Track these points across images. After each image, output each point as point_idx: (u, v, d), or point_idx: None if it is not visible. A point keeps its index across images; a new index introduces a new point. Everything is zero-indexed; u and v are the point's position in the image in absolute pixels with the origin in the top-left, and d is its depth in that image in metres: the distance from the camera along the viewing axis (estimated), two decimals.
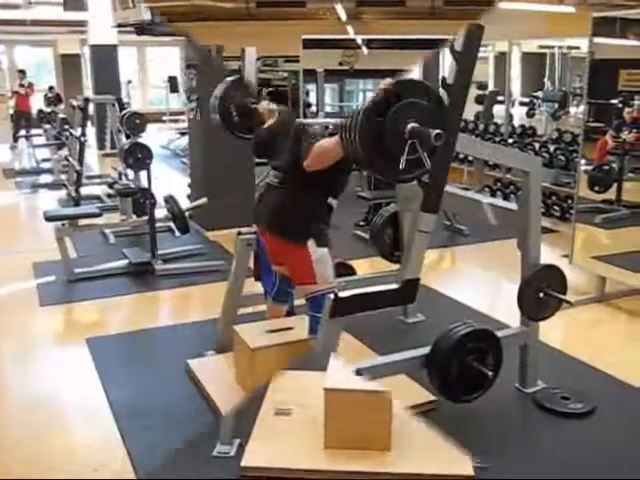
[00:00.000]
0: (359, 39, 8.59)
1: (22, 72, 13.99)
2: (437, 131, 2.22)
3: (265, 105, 3.51)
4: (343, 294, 2.64)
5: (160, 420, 3.08)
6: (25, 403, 3.34)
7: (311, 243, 2.93)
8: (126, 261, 5.32)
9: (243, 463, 2.33)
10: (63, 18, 13.27)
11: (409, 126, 2.25)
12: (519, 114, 12.21)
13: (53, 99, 12.98)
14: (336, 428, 2.43)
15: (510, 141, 7.74)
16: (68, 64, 17.87)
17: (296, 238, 2.97)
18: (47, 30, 15.25)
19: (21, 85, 13.42)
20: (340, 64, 8.82)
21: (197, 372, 3.43)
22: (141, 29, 6.01)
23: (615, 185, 5.30)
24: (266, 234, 3.12)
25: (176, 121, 15.20)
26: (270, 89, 8.26)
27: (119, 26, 6.82)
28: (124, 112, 7.35)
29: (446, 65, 11.92)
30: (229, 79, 3.78)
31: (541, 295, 3.13)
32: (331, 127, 2.89)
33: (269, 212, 3.06)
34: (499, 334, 2.97)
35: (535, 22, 8.85)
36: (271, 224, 3.06)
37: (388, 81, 2.32)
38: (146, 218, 5.46)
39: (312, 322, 3.03)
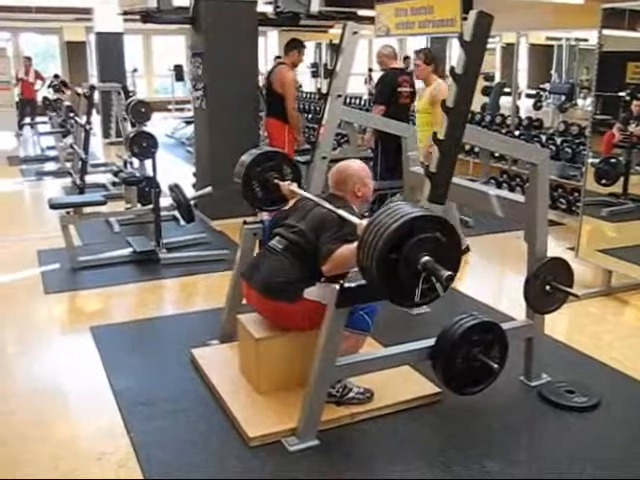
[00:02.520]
0: None
1: (28, 58, 13.94)
2: (449, 273, 2.21)
3: (287, 185, 3.47)
4: (349, 284, 2.62)
5: (164, 409, 3.08)
6: (29, 391, 3.34)
7: (306, 292, 2.89)
8: (130, 249, 5.32)
9: None
10: (69, 5, 13.23)
11: (422, 260, 2.25)
12: (526, 106, 12.20)
13: (59, 87, 12.95)
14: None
15: (517, 133, 7.70)
16: (74, 52, 17.87)
17: (289, 297, 2.91)
18: (53, 17, 15.21)
19: (27, 73, 13.39)
20: None
21: (201, 361, 3.43)
22: (147, 17, 5.97)
23: (622, 178, 5.27)
24: (258, 296, 3.04)
25: (181, 110, 15.21)
26: None
27: (125, 14, 6.78)
28: (129, 100, 7.35)
29: (453, 54, 11.89)
30: (255, 151, 3.64)
31: (547, 288, 3.11)
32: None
33: (265, 275, 2.99)
34: (504, 327, 2.95)
35: (543, 13, 8.80)
36: (267, 288, 2.98)
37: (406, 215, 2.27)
38: (151, 207, 5.45)
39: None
